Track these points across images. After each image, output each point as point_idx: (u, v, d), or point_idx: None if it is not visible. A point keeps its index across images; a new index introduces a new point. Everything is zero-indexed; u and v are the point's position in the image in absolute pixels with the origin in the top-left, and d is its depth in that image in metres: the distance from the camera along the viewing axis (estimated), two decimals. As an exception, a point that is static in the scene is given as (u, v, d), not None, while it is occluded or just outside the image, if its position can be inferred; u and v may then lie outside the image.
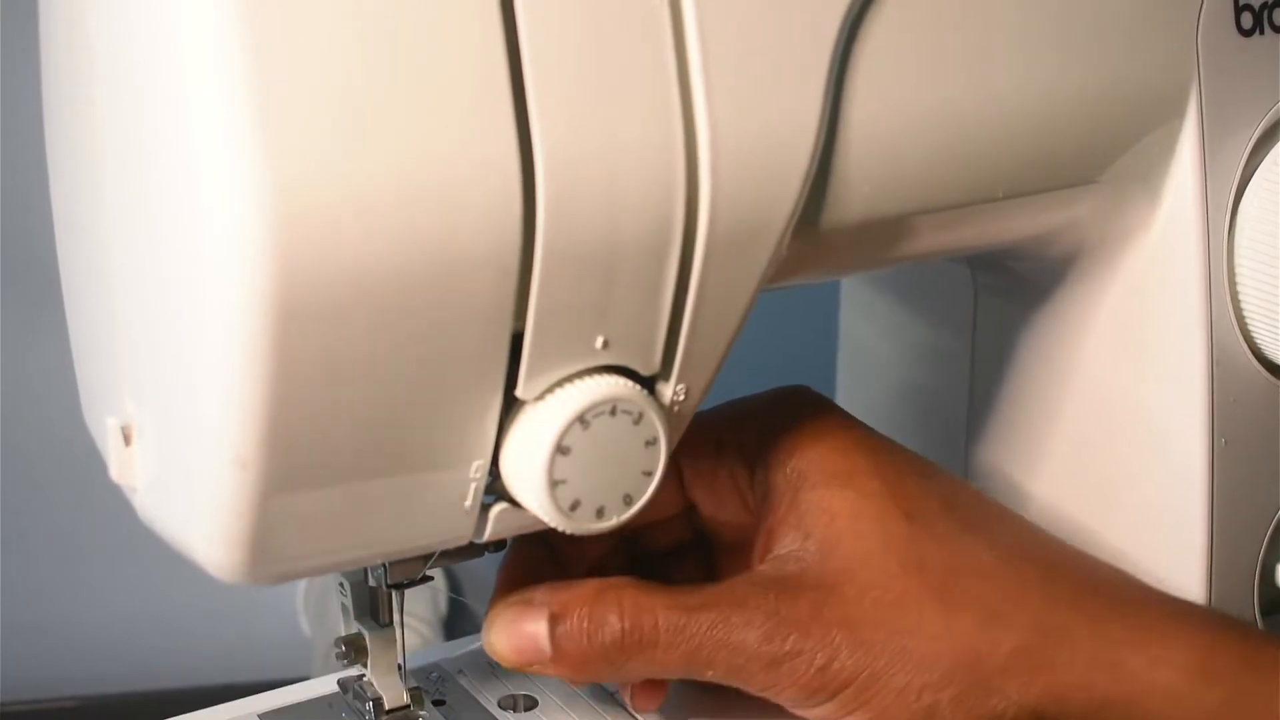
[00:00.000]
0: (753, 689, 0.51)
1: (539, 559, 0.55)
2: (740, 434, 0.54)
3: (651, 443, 0.45)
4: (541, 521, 0.45)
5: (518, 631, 0.51)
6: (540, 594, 0.52)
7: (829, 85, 0.45)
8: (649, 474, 0.46)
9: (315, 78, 0.38)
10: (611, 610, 0.50)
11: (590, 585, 0.51)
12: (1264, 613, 0.61)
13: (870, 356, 0.75)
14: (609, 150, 0.41)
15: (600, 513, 0.45)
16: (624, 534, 0.56)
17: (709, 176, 0.43)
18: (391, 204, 0.38)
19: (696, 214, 0.43)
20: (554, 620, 0.50)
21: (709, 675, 0.50)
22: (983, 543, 0.51)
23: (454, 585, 1.04)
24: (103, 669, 1.09)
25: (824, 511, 0.51)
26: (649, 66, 0.42)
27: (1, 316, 1.02)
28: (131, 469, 0.45)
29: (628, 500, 0.45)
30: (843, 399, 0.77)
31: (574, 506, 0.44)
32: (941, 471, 0.55)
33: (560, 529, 0.45)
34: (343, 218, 0.38)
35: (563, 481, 0.44)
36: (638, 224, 0.42)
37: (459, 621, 1.06)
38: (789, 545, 0.51)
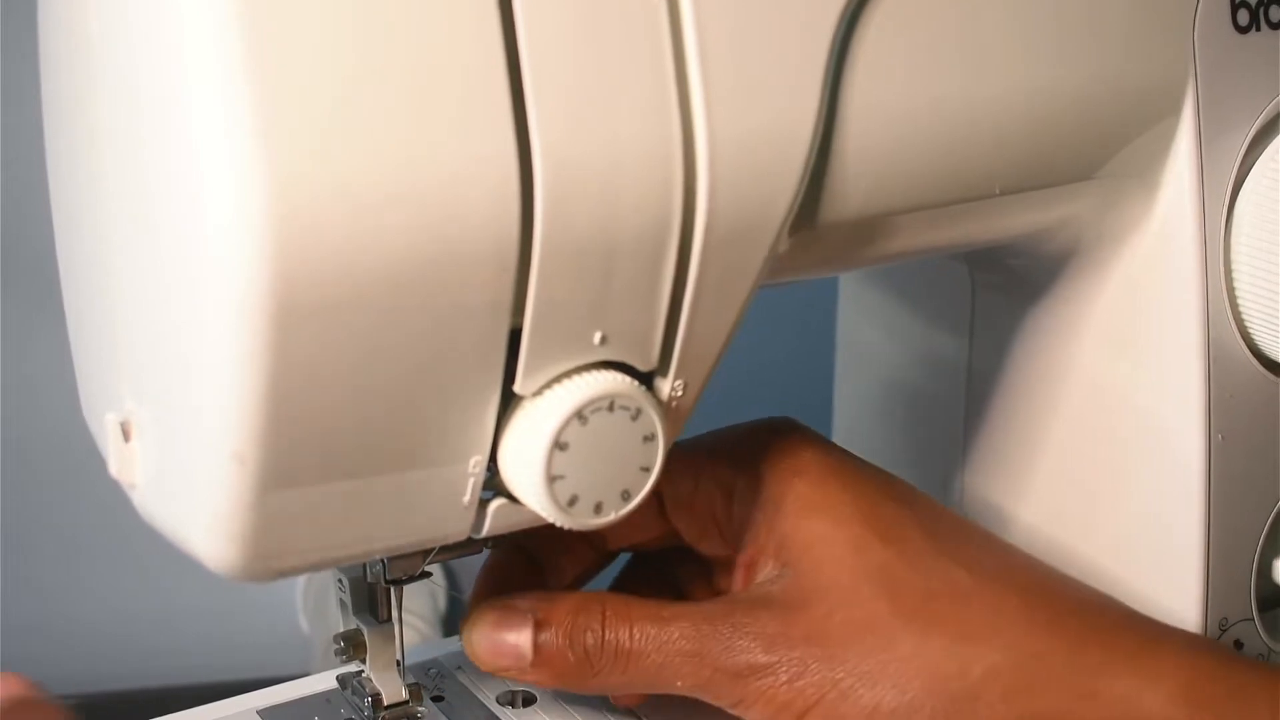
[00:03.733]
0: (723, 703, 0.51)
1: (519, 565, 0.56)
2: (717, 465, 0.54)
3: (649, 438, 0.45)
4: (540, 517, 0.45)
5: (499, 636, 0.52)
6: (525, 601, 0.52)
7: (826, 81, 0.45)
8: (647, 470, 0.45)
9: (313, 75, 0.38)
10: (594, 618, 0.50)
11: (575, 596, 0.52)
12: (1261, 608, 0.60)
13: (868, 354, 0.75)
14: (607, 146, 0.41)
15: (598, 508, 0.45)
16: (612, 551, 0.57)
17: (706, 172, 0.43)
18: (390, 200, 0.38)
19: (694, 210, 0.43)
20: (539, 627, 0.51)
21: (678, 687, 0.51)
22: (960, 566, 0.50)
23: (452, 582, 1.04)
24: (103, 667, 1.09)
25: (799, 540, 0.50)
26: (647, 62, 0.41)
27: (1, 316, 1.02)
28: (131, 465, 0.45)
29: (625, 496, 0.45)
30: (840, 398, 0.77)
31: (572, 502, 0.44)
32: (921, 497, 0.54)
33: (558, 524, 0.45)
34: (341, 214, 0.38)
35: (561, 477, 0.44)
36: (636, 220, 0.42)
37: (458, 618, 1.06)
38: (768, 574, 0.51)
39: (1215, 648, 0.53)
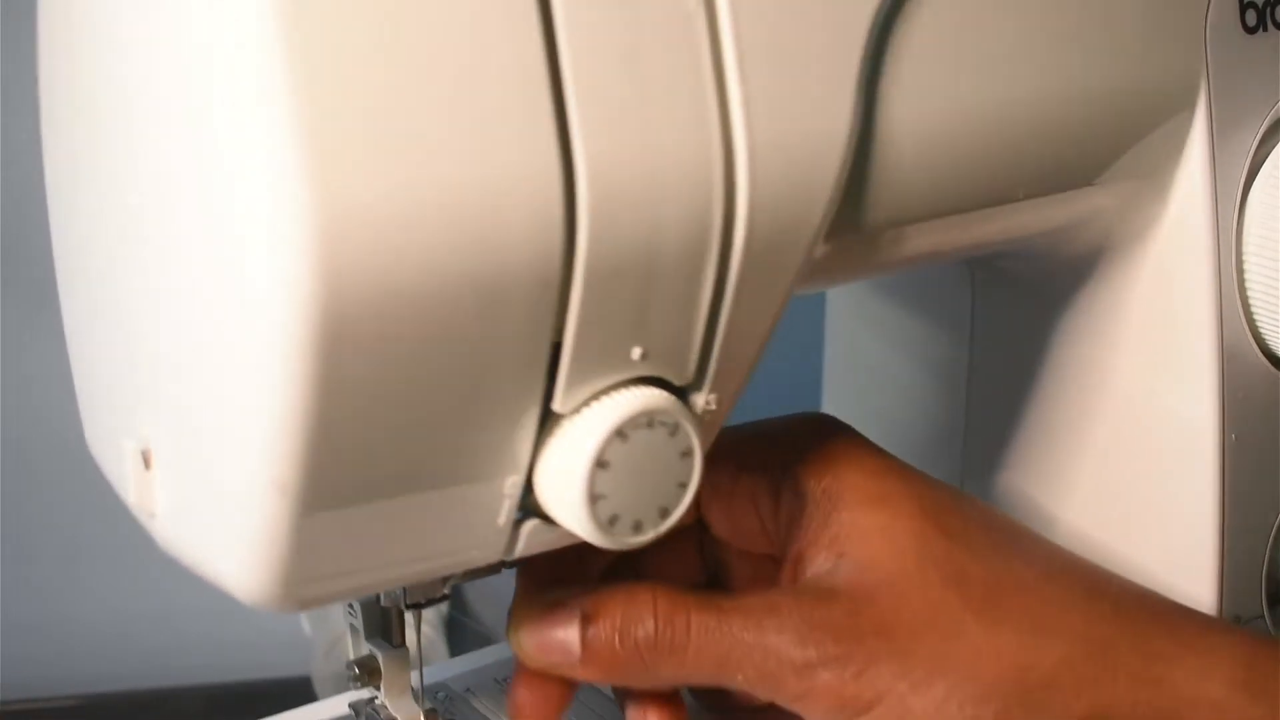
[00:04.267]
0: (784, 698, 0.49)
1: (560, 555, 0.54)
2: (763, 454, 0.52)
3: (687, 454, 0.43)
4: (574, 537, 0.44)
5: (547, 632, 0.49)
6: (572, 595, 0.50)
7: (859, 88, 0.44)
8: (684, 486, 0.44)
9: (358, 93, 0.36)
10: (646, 609, 0.48)
11: (623, 587, 0.49)
12: (1270, 604, 0.60)
13: (859, 358, 0.73)
14: (649, 158, 0.39)
15: (637, 526, 0.43)
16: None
17: (746, 181, 0.41)
18: (436, 217, 0.37)
19: (734, 219, 0.42)
20: (585, 620, 0.49)
21: (739, 681, 0.48)
22: (1023, 559, 0.50)
23: (455, 585, 1.03)
24: (103, 668, 1.08)
25: (859, 532, 0.49)
26: (686, 71, 0.40)
27: (1, 316, 1.01)
28: (151, 494, 0.43)
29: (663, 513, 0.44)
30: (829, 406, 0.75)
31: (612, 521, 0.42)
32: (973, 497, 0.53)
33: (597, 544, 0.43)
34: (389, 232, 0.36)
35: (602, 496, 0.42)
36: (677, 231, 0.40)
37: (461, 622, 1.05)
38: (822, 566, 0.49)
39: (1267, 639, 0.53)
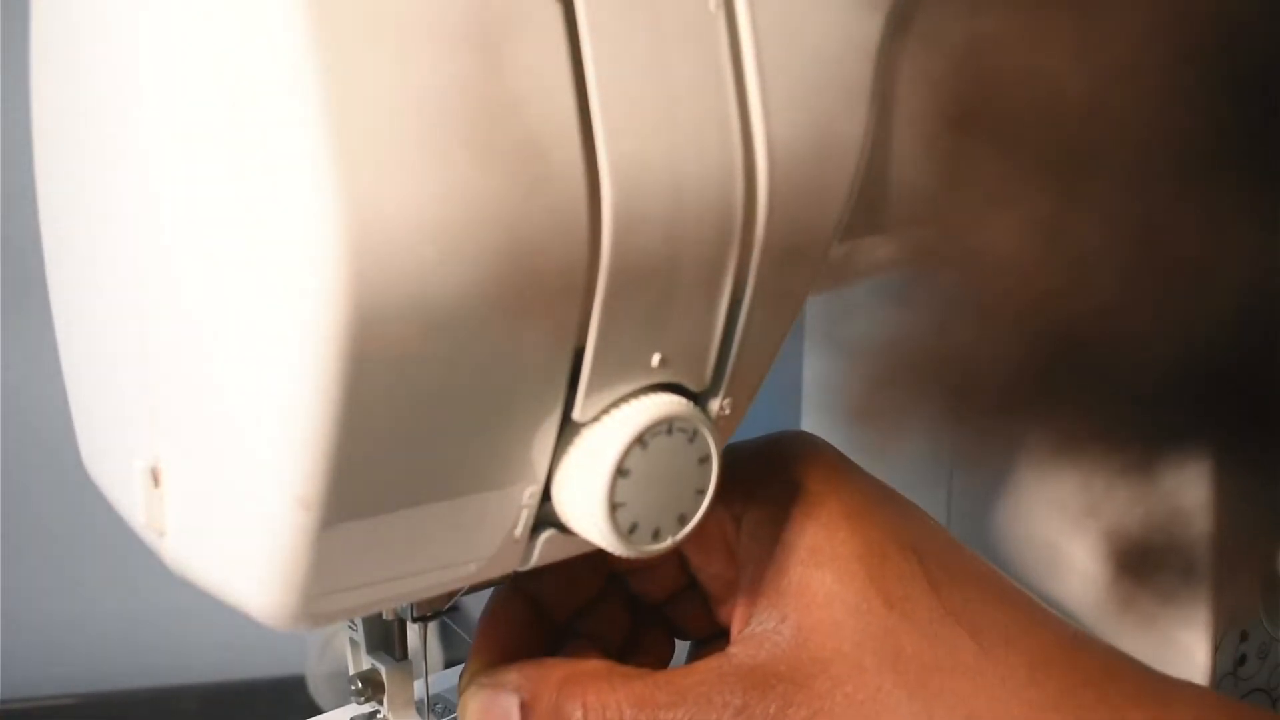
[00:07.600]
0: None
1: (519, 616, 0.51)
2: (727, 491, 0.47)
3: (704, 460, 0.41)
4: (590, 546, 0.41)
5: (491, 717, 0.47)
6: (512, 675, 0.47)
7: (874, 90, 0.42)
8: (701, 492, 0.42)
9: (385, 106, 0.34)
10: (575, 706, 0.46)
11: (559, 672, 0.47)
12: (1264, 599, 0.59)
13: (840, 360, 0.71)
14: (672, 162, 0.37)
15: (656, 534, 0.41)
16: (615, 573, 0.52)
17: (765, 183, 0.39)
18: (464, 227, 0.34)
19: (754, 221, 0.39)
20: (525, 709, 0.47)
21: None
22: (966, 632, 0.46)
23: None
24: (102, 666, 1.06)
25: (802, 594, 0.46)
26: (708, 76, 0.38)
27: (1, 317, 0.99)
28: (161, 513, 0.41)
29: (682, 520, 0.41)
30: (808, 404, 0.73)
31: (632, 529, 0.40)
32: (931, 533, 0.49)
33: (618, 553, 0.41)
34: (417, 244, 0.34)
35: (622, 504, 0.40)
36: (699, 235, 0.38)
37: (456, 622, 1.03)
38: (765, 622, 0.47)
39: (1224, 703, 0.50)
